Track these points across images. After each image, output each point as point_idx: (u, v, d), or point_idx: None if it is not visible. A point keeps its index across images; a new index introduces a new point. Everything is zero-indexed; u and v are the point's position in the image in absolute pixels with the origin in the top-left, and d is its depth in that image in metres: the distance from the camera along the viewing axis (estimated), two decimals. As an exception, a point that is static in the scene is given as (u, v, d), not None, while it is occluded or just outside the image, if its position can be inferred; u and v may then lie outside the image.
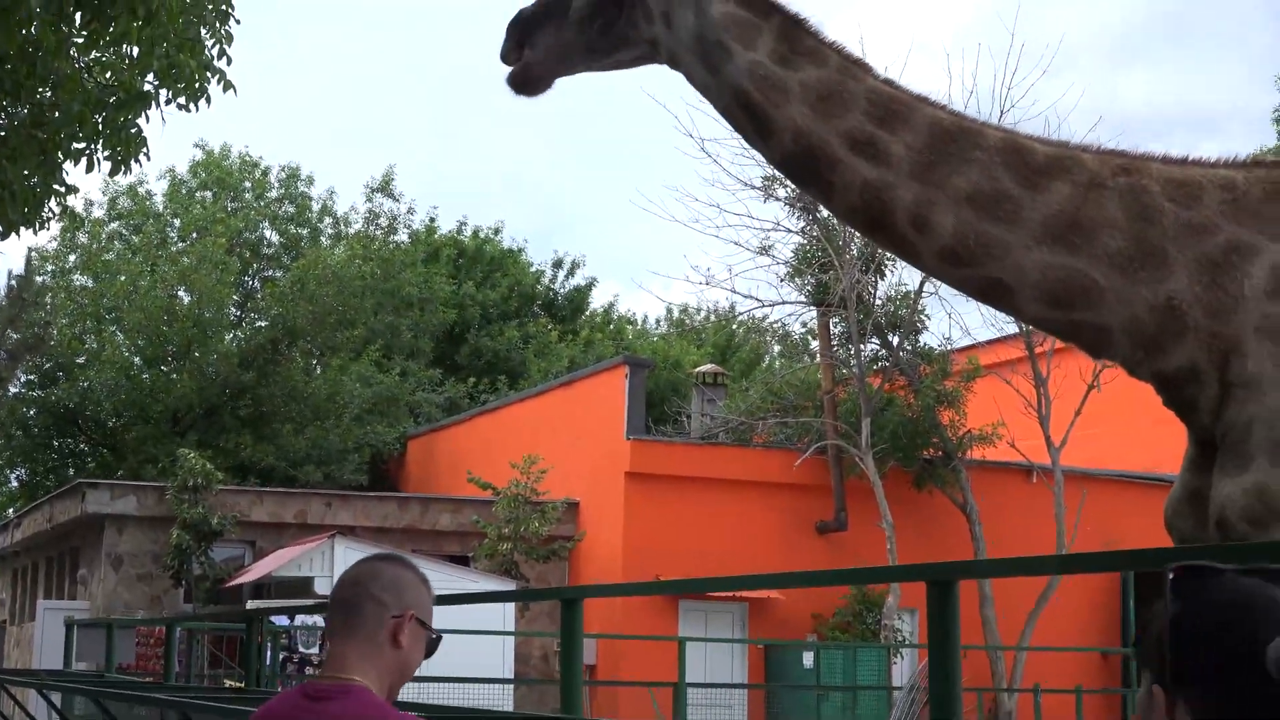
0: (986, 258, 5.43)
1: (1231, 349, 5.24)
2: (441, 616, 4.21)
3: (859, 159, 5.52)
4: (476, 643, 23.68)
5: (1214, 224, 5.31)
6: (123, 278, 42.85)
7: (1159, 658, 2.33)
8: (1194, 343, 5.30)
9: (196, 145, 50.81)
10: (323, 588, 27.88)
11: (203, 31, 12.54)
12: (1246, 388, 5.19)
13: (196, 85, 12.41)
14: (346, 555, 27.63)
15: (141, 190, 49.36)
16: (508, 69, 6.16)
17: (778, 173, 6.10)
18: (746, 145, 6.02)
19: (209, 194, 49.85)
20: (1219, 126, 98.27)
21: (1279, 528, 4.99)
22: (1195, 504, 5.44)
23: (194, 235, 45.99)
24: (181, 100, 12.44)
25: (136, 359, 43.36)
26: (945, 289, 29.80)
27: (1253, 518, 5.05)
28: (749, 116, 5.72)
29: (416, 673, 4.11)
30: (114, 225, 48.85)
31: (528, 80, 6.13)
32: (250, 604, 28.20)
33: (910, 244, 5.60)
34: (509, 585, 29.26)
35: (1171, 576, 2.36)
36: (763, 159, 6.00)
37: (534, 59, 6.04)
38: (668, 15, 5.79)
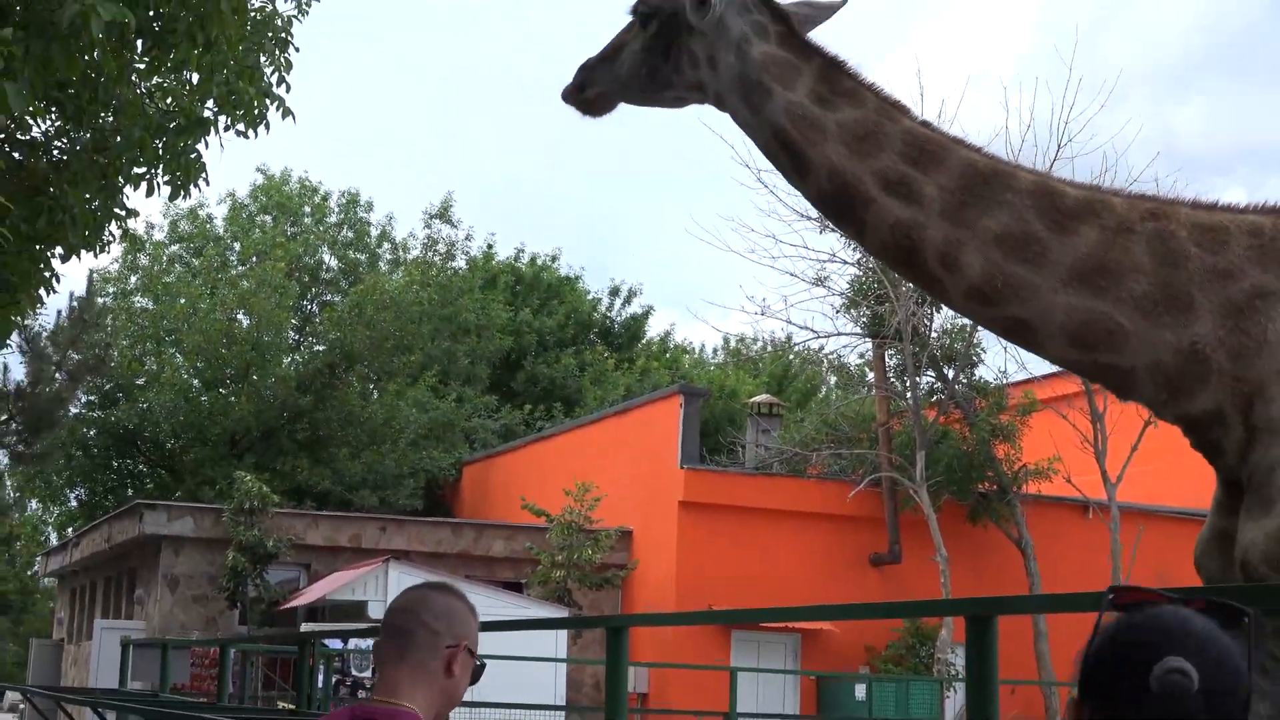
0: (1013, 298, 5.50)
1: (1255, 393, 5.28)
2: (494, 642, 4.29)
3: (891, 198, 5.62)
4: (529, 669, 23.77)
5: (1240, 269, 5.35)
6: (183, 300, 43.29)
7: (1077, 668, 2.51)
8: (1218, 386, 5.33)
9: (258, 170, 51.35)
10: (376, 612, 28.00)
11: (262, 59, 12.70)
12: (1270, 432, 5.22)
13: (256, 112, 12.58)
14: (400, 580, 27.79)
15: (202, 213, 49.85)
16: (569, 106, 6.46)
17: (808, 202, 6.23)
18: (786, 181, 6.16)
19: (269, 218, 50.28)
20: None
21: None
22: (1223, 544, 5.48)
23: (254, 259, 46.41)
24: (240, 127, 12.61)
25: (195, 381, 43.74)
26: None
27: (1274, 561, 5.09)
28: (788, 154, 5.85)
29: (470, 697, 4.20)
30: (175, 248, 49.33)
31: (592, 107, 6.40)
32: (304, 627, 28.37)
33: (939, 282, 5.68)
34: (562, 612, 29.34)
35: (1111, 598, 2.50)
36: (801, 193, 6.13)
37: (591, 94, 6.31)
38: (712, 59, 5.97)
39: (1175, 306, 5.37)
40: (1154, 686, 2.36)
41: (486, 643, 4.18)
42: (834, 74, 5.84)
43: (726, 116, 6.21)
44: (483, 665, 4.08)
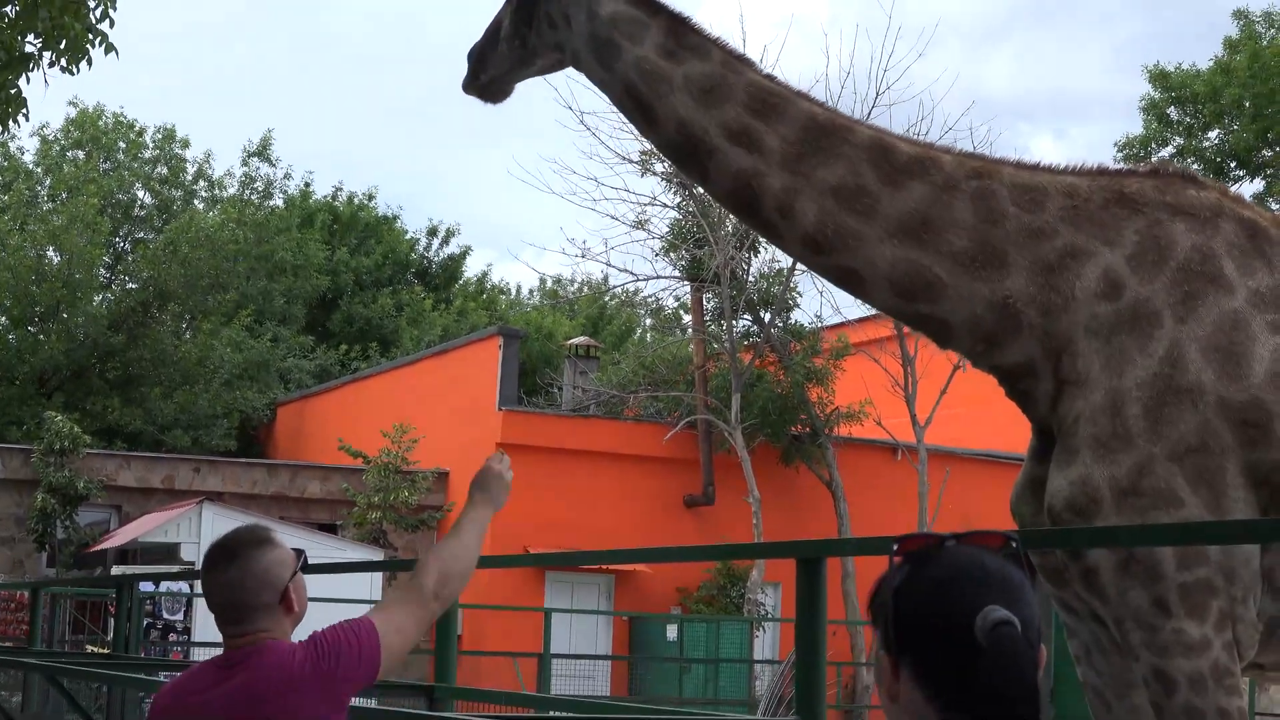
0: (843, 247, 5.77)
1: (1063, 347, 5.57)
2: (308, 584, 4.45)
3: (735, 147, 5.87)
4: (342, 611, 23.64)
5: (1053, 229, 5.65)
6: (-10, 236, 42.29)
7: (884, 625, 2.59)
8: (1029, 339, 5.63)
9: (71, 104, 50.26)
10: (189, 554, 27.77)
11: (88, -8, 12.52)
12: (1076, 384, 5.52)
13: (79, 47, 12.42)
14: (214, 521, 27.57)
15: (12, 147, 48.70)
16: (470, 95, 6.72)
17: (657, 151, 6.55)
18: (637, 132, 6.42)
19: (81, 153, 49.25)
20: (1085, 111, 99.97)
21: (1099, 516, 5.31)
22: (1036, 490, 5.77)
23: (64, 195, 45.45)
24: (63, 62, 12.44)
25: (3, 319, 42.81)
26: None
27: (1076, 507, 5.39)
28: (637, 107, 6.10)
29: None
30: (-20, 183, 48.16)
31: (488, 93, 6.66)
32: (115, 569, 28.04)
33: (776, 229, 5.95)
34: (377, 554, 29.28)
35: (896, 548, 2.63)
36: (650, 143, 6.37)
37: (486, 79, 6.57)
38: (567, 18, 6.21)
39: (991, 262, 5.65)
40: (984, 640, 2.45)
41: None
42: (680, 29, 6.07)
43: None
44: (301, 553, 4.29)
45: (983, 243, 5.66)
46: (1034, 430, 5.89)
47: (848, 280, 5.92)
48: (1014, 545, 2.68)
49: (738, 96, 5.91)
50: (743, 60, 6.06)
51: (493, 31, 6.48)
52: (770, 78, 6.04)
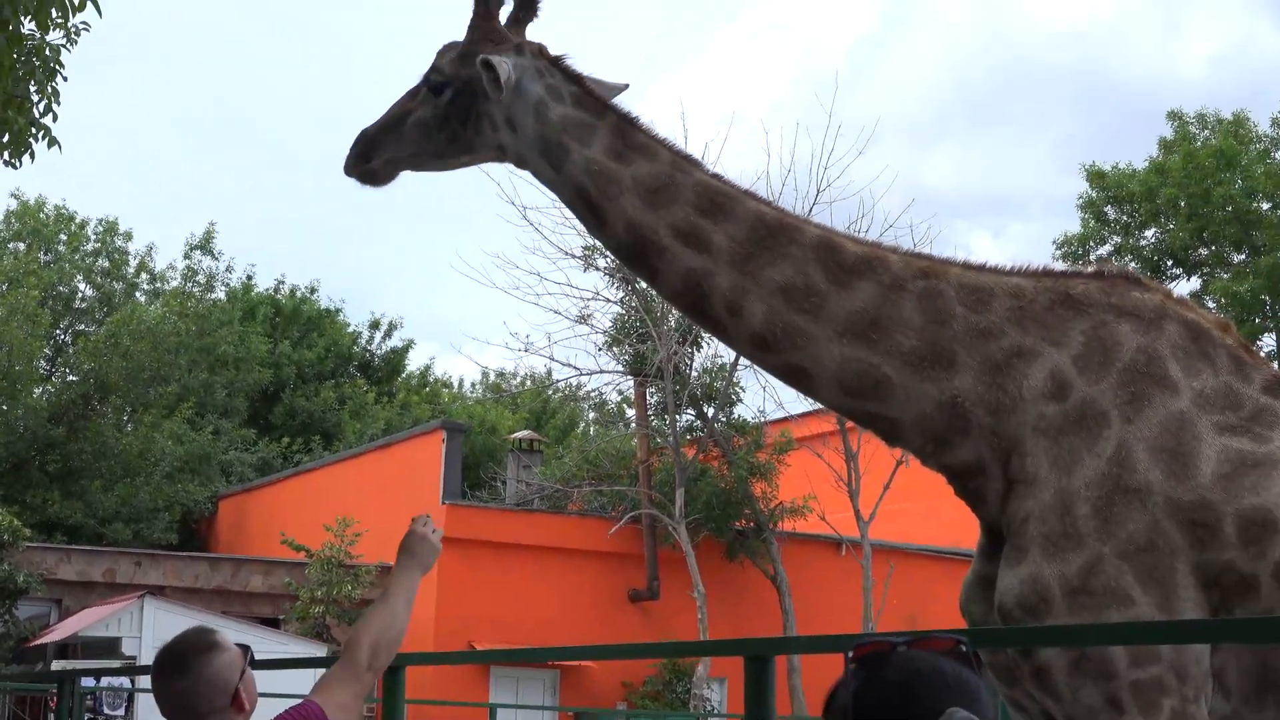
0: (791, 346, 5.81)
1: (1012, 446, 5.61)
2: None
3: (685, 247, 5.90)
4: (285, 706, 23.46)
5: (1000, 329, 5.71)
6: (-72, 327, 41.99)
7: None
8: (978, 439, 5.67)
9: (13, 196, 50.21)
10: (131, 648, 27.49)
11: (31, 88, 12.51)
12: (1025, 484, 5.55)
13: (22, 141, 12.38)
14: (156, 616, 27.32)
15: (-50, 239, 48.55)
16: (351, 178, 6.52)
17: (606, 250, 6.54)
18: (587, 231, 6.42)
19: (22, 245, 49.11)
20: (1024, 209, 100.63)
21: (1050, 614, 5.34)
22: (986, 589, 5.78)
23: (5, 287, 45.25)
24: (5, 156, 12.40)
25: (-58, 411, 42.44)
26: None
27: (1026, 605, 5.41)
28: (587, 208, 6.12)
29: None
30: (-79, 273, 47.90)
31: (372, 176, 6.48)
32: (55, 664, 27.73)
33: (724, 327, 5.98)
34: (320, 649, 29.05)
35: (852, 654, 2.67)
36: (600, 242, 6.38)
37: (376, 164, 6.40)
38: (511, 121, 6.18)
39: (939, 362, 5.69)
40: None
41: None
42: (628, 130, 6.10)
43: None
44: (248, 649, 4.30)
45: (931, 342, 5.71)
46: (983, 529, 5.91)
47: (796, 378, 5.95)
48: (964, 648, 2.72)
49: (686, 196, 5.94)
50: (690, 160, 6.09)
51: (395, 118, 6.35)
52: (718, 177, 6.08)
